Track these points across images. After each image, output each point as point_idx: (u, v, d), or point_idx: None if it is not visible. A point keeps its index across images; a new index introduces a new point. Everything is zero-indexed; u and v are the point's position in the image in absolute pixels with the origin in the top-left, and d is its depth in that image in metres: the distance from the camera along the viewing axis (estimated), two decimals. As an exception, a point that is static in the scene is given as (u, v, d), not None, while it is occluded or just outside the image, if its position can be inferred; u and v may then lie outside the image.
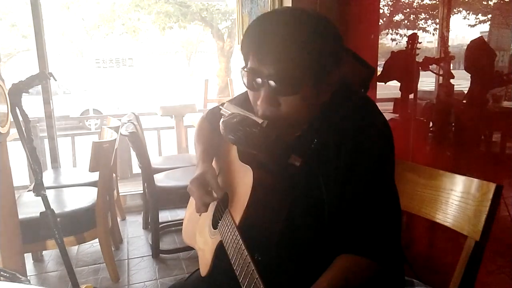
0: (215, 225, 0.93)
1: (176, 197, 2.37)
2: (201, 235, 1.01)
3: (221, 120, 0.83)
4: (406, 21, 2.20)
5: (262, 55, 0.75)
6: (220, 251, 0.84)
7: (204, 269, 0.94)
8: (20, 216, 1.76)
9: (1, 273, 1.28)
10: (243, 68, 0.80)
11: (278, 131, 0.79)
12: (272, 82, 0.74)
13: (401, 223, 0.83)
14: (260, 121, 0.76)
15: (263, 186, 0.81)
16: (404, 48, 1.95)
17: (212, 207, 0.97)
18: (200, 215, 1.03)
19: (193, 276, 1.05)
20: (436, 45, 1.96)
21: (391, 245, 0.79)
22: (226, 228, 0.84)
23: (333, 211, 0.78)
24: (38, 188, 1.41)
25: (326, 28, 0.77)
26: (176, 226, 2.76)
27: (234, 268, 0.73)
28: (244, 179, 0.83)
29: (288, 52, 0.73)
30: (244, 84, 0.81)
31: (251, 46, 0.77)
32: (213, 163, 1.04)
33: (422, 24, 2.14)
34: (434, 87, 2.02)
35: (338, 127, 0.79)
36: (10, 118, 1.43)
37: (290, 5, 2.30)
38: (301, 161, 0.77)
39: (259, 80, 0.76)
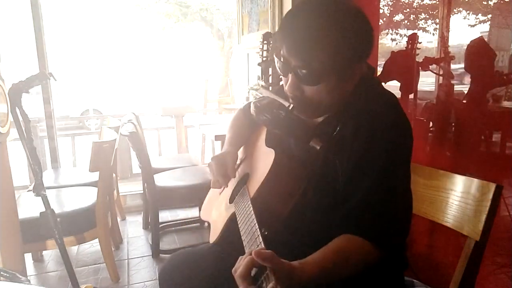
0: (231, 200, 0.98)
1: (176, 197, 2.37)
2: (217, 209, 1.07)
3: (252, 101, 0.92)
4: (406, 21, 2.20)
5: (290, 47, 0.80)
6: (231, 222, 0.89)
7: (213, 237, 0.99)
8: (20, 216, 1.76)
9: (1, 273, 1.28)
10: (276, 55, 0.85)
11: (303, 115, 0.85)
12: (296, 72, 0.80)
13: (409, 218, 0.84)
14: (286, 104, 0.84)
15: (282, 166, 0.87)
16: (404, 48, 1.95)
17: (231, 186, 1.02)
18: (220, 194, 1.09)
19: (200, 246, 1.11)
20: (436, 45, 1.96)
21: (395, 234, 0.80)
22: (241, 201, 0.88)
23: (345, 195, 0.81)
24: (38, 188, 1.40)
25: (356, 23, 0.80)
26: (176, 226, 2.77)
27: (242, 234, 0.76)
28: (266, 160, 0.89)
29: (313, 48, 0.78)
30: (277, 68, 0.87)
31: (282, 36, 0.82)
32: (241, 150, 1.11)
33: (422, 24, 2.14)
34: (434, 87, 2.02)
35: (358, 116, 0.82)
36: (10, 118, 1.43)
37: (290, 5, 2.30)
38: (321, 145, 0.82)
39: (286, 68, 0.82)
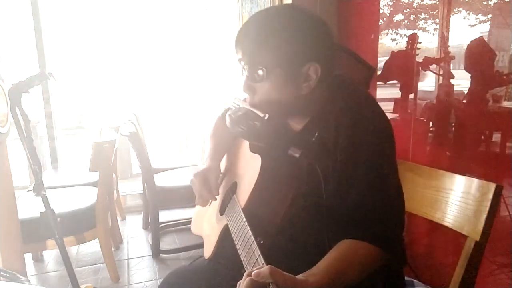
0: (222, 212, 0.96)
1: (176, 197, 2.37)
2: (208, 222, 1.05)
3: (227, 113, 0.89)
4: (406, 21, 2.20)
5: (238, 44, 0.84)
6: (225, 235, 0.87)
7: (208, 252, 0.97)
8: (20, 216, 1.76)
9: (1, 273, 1.28)
10: (238, 60, 0.86)
11: (279, 124, 0.85)
12: (246, 70, 0.83)
13: (403, 214, 0.84)
14: (262, 115, 0.82)
15: (270, 172, 0.85)
16: (404, 48, 1.95)
17: (221, 196, 1.01)
18: (209, 206, 1.06)
19: (196, 262, 1.09)
20: (436, 45, 1.96)
21: (393, 231, 0.80)
22: (232, 212, 0.87)
23: (331, 201, 0.80)
24: (38, 188, 1.41)
25: (306, 23, 0.81)
26: (176, 226, 2.76)
27: (238, 247, 0.74)
28: (253, 166, 0.87)
29: (256, 42, 0.80)
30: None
31: (236, 36, 0.85)
32: (225, 158, 1.09)
33: (422, 24, 2.14)
34: (434, 87, 2.02)
35: (336, 121, 0.82)
36: (10, 118, 1.43)
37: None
38: (301, 152, 0.81)
39: (241, 68, 0.85)
